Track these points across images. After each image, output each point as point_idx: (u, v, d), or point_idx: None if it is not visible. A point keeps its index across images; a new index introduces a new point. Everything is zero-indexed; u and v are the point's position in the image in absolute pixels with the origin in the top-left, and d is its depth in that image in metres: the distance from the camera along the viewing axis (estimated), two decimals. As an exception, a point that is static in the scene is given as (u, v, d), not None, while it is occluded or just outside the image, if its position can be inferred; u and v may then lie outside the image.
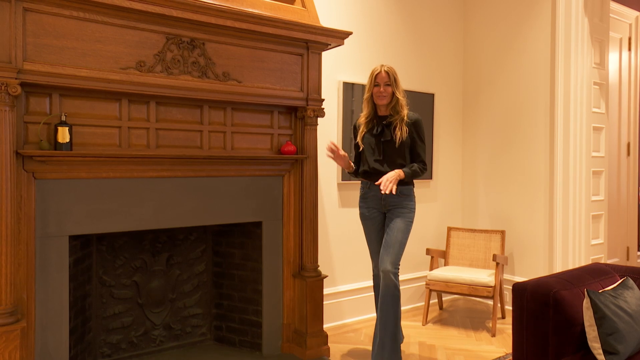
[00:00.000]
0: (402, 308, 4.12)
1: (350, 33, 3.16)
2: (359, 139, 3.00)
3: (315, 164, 3.16)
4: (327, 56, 3.51)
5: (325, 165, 3.64)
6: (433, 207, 4.43)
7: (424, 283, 3.99)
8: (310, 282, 3.09)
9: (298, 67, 3.07)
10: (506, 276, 4.14)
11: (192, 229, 3.20)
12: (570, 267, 3.77)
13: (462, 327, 3.78)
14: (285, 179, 3.15)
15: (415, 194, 3.00)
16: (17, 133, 2.29)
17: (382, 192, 2.71)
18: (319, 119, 3.30)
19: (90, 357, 2.87)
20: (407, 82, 4.11)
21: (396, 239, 2.85)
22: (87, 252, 2.83)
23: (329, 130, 3.70)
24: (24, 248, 2.33)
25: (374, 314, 3.75)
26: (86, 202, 2.49)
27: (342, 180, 3.78)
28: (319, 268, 3.19)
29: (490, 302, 4.21)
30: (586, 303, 1.97)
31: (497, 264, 3.68)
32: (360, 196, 3.06)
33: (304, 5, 3.14)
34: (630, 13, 4.93)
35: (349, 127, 3.79)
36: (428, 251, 4.04)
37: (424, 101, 4.25)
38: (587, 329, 1.96)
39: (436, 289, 3.80)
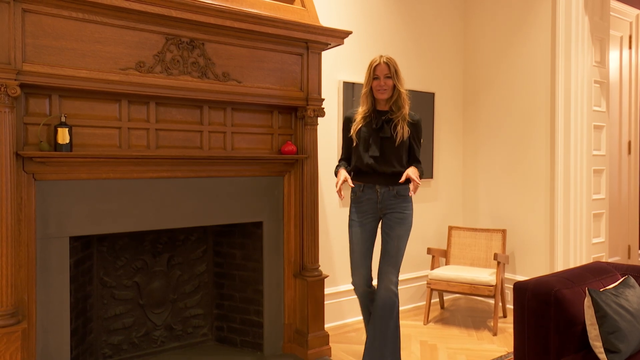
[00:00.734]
0: (404, 307, 4.12)
1: (350, 32, 3.16)
2: (353, 132, 2.71)
3: (316, 164, 3.15)
4: (327, 56, 3.51)
5: (325, 165, 3.64)
6: (434, 206, 4.42)
7: (425, 282, 3.99)
8: (311, 282, 3.09)
9: (298, 67, 3.07)
10: (507, 275, 4.13)
11: (192, 230, 3.20)
12: (572, 265, 3.77)
13: (463, 326, 3.77)
14: (285, 179, 3.14)
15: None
16: (17, 134, 2.29)
17: (413, 194, 2.56)
18: (319, 119, 3.29)
19: (92, 358, 2.86)
20: (408, 81, 4.08)
21: (397, 248, 2.67)
22: (88, 253, 2.83)
23: (329, 130, 3.69)
24: (24, 249, 2.33)
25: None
26: (86, 203, 2.49)
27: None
28: (319, 268, 3.19)
29: (492, 301, 4.21)
30: (587, 302, 1.96)
31: (498, 263, 3.68)
32: (351, 200, 2.77)
33: (303, 5, 3.14)
34: (630, 11, 4.92)
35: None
36: (429, 250, 4.03)
37: (424, 100, 4.24)
38: (588, 328, 1.96)
39: (437, 288, 3.79)
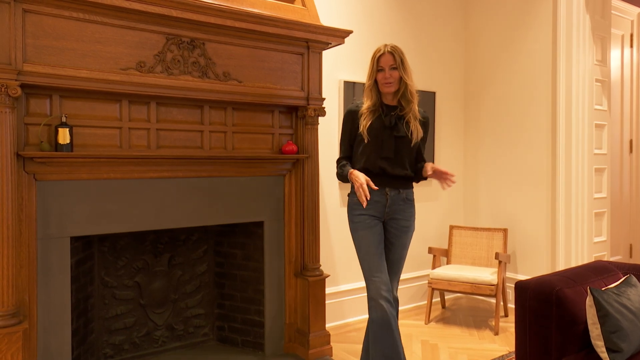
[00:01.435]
0: (405, 307, 4.12)
1: (351, 32, 3.15)
2: (364, 128, 2.43)
3: (317, 164, 3.15)
4: (328, 55, 3.50)
5: (326, 164, 3.64)
6: (435, 205, 4.42)
7: (427, 282, 3.98)
8: (312, 281, 3.09)
9: (298, 66, 3.06)
10: (509, 274, 4.13)
11: (193, 230, 3.20)
12: (573, 264, 3.76)
13: (464, 325, 3.77)
14: (286, 178, 3.14)
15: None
16: (18, 135, 2.29)
17: (448, 186, 2.36)
18: (320, 118, 3.29)
19: (93, 358, 2.87)
20: (408, 80, 4.09)
21: (401, 257, 2.51)
22: (89, 253, 2.83)
23: (330, 130, 3.69)
24: (25, 250, 2.33)
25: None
26: (87, 203, 2.49)
27: (339, 177, 3.75)
28: (320, 267, 3.18)
29: (493, 300, 4.20)
30: (589, 301, 1.96)
31: (500, 262, 3.67)
32: (355, 203, 2.47)
33: (304, 4, 3.14)
34: (632, 9, 4.91)
35: (350, 126, 3.77)
36: (430, 250, 4.03)
37: (425, 99, 4.24)
38: (590, 327, 1.95)
39: (439, 288, 3.79)
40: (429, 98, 4.28)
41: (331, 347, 3.15)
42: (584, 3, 3.78)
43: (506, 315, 3.92)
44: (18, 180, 2.29)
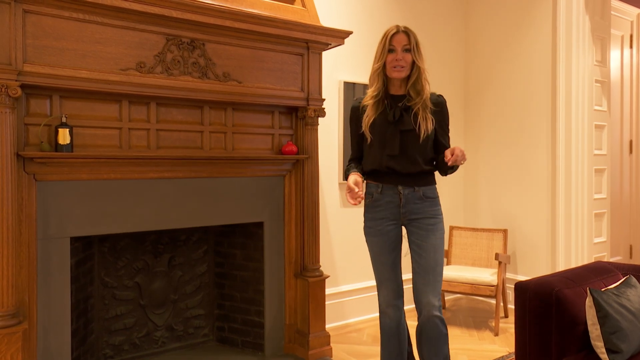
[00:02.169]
0: (405, 308, 4.10)
1: (351, 32, 3.16)
2: (366, 127, 2.23)
3: (316, 164, 3.15)
4: (328, 56, 3.51)
5: (326, 165, 3.64)
6: (435, 206, 4.41)
7: (426, 282, 3.98)
8: (312, 282, 3.09)
9: (298, 67, 3.06)
10: (509, 275, 4.13)
11: (193, 230, 3.20)
12: (573, 265, 3.76)
13: (464, 326, 3.77)
14: (286, 179, 3.14)
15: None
16: (18, 135, 2.29)
17: (455, 162, 2.02)
18: (320, 119, 3.29)
19: (93, 358, 2.86)
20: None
21: (434, 261, 2.17)
22: (89, 253, 2.83)
23: (329, 130, 3.69)
24: (25, 250, 2.33)
25: (376, 314, 3.75)
26: (87, 204, 2.49)
27: (344, 180, 3.76)
28: (320, 268, 3.18)
29: (493, 301, 4.20)
30: (589, 302, 1.96)
31: (500, 263, 3.67)
32: (367, 205, 2.30)
33: (304, 5, 3.14)
34: (631, 10, 4.91)
35: (350, 127, 3.77)
36: (430, 250, 4.02)
37: (425, 100, 4.24)
38: (590, 328, 1.95)
39: (438, 289, 3.79)
40: (428, 99, 4.28)
41: (331, 348, 3.15)
42: (584, 4, 3.79)
43: (506, 316, 3.92)
44: (18, 180, 2.29)
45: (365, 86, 3.83)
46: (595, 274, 2.25)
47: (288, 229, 3.15)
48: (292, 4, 3.11)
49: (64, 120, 2.37)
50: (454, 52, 4.52)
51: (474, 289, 3.65)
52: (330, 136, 3.69)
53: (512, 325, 3.63)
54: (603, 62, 4.01)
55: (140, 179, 2.64)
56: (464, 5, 4.56)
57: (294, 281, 3.16)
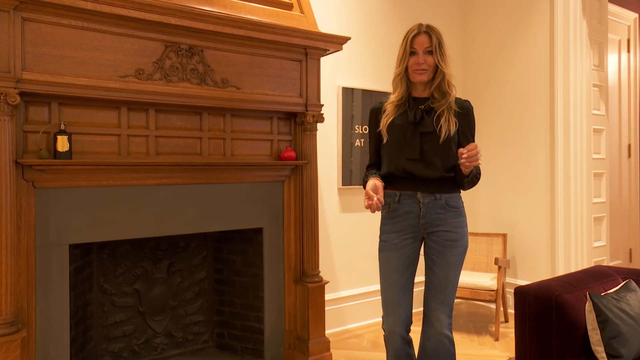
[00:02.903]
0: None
1: (349, 38, 3.17)
2: (383, 127, 2.07)
3: (315, 170, 3.15)
4: (326, 61, 3.51)
5: (325, 170, 3.64)
6: (434, 211, 4.41)
7: (426, 287, 3.97)
8: (311, 288, 3.08)
9: (297, 73, 3.07)
10: (508, 280, 4.12)
11: (192, 236, 3.19)
12: (573, 269, 3.76)
13: (465, 331, 3.76)
14: (285, 184, 3.14)
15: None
16: (17, 142, 2.29)
17: (469, 160, 1.85)
18: (319, 125, 3.30)
19: (92, 366, 2.86)
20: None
21: (446, 279, 2.04)
22: (88, 260, 2.83)
23: (328, 136, 3.70)
24: (24, 257, 2.32)
25: (378, 319, 3.74)
26: (86, 211, 2.49)
27: (343, 185, 3.77)
28: (320, 274, 3.18)
29: (493, 306, 4.19)
30: (589, 306, 1.96)
31: (499, 267, 3.67)
32: (383, 217, 2.12)
33: (302, 11, 3.15)
34: (628, 15, 4.93)
35: (349, 132, 3.78)
36: (430, 255, 4.02)
37: (423, 105, 4.24)
38: (590, 333, 1.95)
39: (438, 294, 3.78)
40: (427, 104, 4.29)
41: (331, 354, 3.14)
42: (581, 8, 3.80)
43: (506, 321, 3.91)
44: (17, 188, 2.28)
45: (363, 92, 3.84)
46: (595, 278, 2.25)
47: (287, 235, 3.15)
48: (290, 10, 3.12)
49: (62, 127, 2.37)
50: (452, 55, 4.52)
51: (473, 294, 3.64)
52: (329, 142, 3.70)
53: (512, 330, 3.62)
54: (600, 66, 4.02)
55: (139, 185, 2.64)
56: (462, 9, 4.58)
57: (293, 287, 3.16)
